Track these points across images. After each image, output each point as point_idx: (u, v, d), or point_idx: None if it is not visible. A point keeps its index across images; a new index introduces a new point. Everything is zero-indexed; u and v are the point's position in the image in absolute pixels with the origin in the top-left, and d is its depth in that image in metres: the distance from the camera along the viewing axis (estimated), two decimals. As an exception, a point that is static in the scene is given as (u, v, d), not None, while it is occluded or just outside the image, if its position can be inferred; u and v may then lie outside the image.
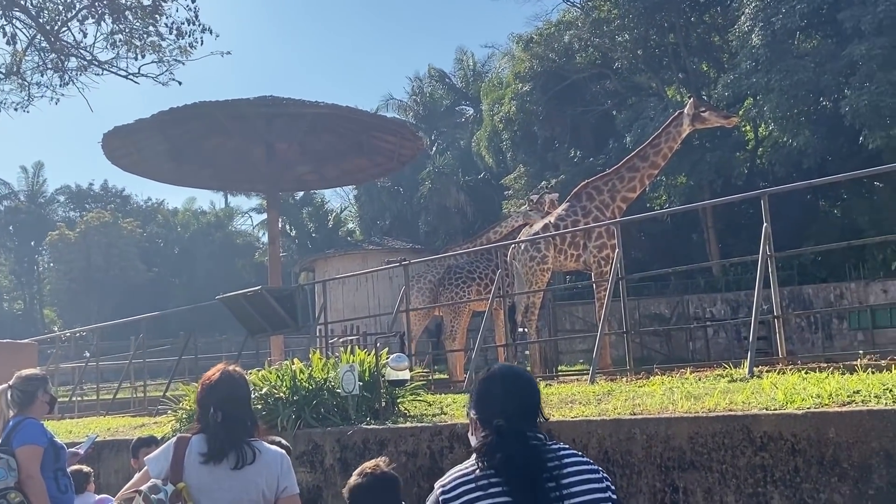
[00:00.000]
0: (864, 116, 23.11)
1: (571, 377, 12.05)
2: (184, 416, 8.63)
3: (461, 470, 2.60)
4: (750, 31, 26.67)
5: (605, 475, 2.64)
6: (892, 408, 4.54)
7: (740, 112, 29.67)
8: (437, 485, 2.61)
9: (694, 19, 33.57)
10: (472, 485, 2.50)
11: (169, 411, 9.64)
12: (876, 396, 4.91)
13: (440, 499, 2.54)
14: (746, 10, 27.16)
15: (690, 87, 32.08)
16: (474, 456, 2.59)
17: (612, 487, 2.64)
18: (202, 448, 3.59)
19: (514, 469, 2.47)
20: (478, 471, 2.53)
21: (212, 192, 67.34)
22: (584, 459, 2.64)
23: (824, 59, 25.11)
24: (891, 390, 4.97)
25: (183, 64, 15.72)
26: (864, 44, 23.18)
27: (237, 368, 3.88)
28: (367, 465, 3.72)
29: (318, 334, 15.20)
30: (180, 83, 16.61)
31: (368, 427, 7.34)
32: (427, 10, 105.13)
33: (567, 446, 2.69)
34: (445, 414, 7.46)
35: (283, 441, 4.37)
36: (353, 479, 3.68)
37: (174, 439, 3.71)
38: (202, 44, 15.18)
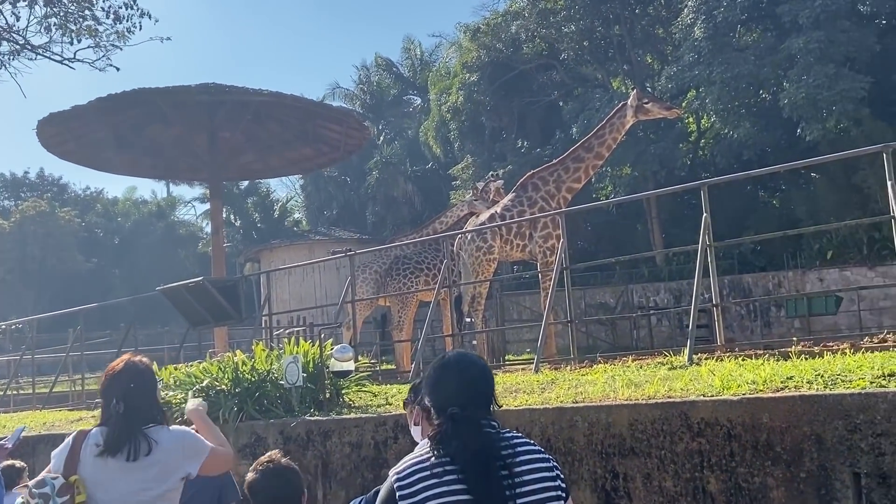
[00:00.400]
0: (802, 109, 23.66)
1: (517, 366, 12.13)
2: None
3: (415, 457, 2.59)
4: (692, 24, 27.09)
5: (555, 464, 2.66)
6: (823, 393, 4.67)
7: (683, 104, 30.14)
8: (391, 472, 2.60)
9: (638, 11, 33.95)
10: (427, 472, 2.50)
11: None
12: (808, 382, 5.03)
13: (395, 486, 2.52)
14: (689, 3, 27.58)
15: (635, 79, 32.47)
16: (428, 443, 2.59)
17: (562, 476, 2.66)
18: (98, 440, 3.54)
19: (468, 457, 2.48)
20: (433, 458, 2.52)
21: (153, 181, 66.06)
22: (536, 448, 2.66)
23: (764, 52, 25.62)
24: (822, 376, 5.11)
25: (121, 49, 15.38)
26: (802, 37, 23.72)
27: (143, 359, 3.81)
28: (262, 459, 3.66)
29: (262, 325, 15.04)
30: (118, 69, 16.24)
31: (312, 418, 7.30)
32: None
33: (519, 434, 2.71)
34: (390, 404, 7.45)
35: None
36: (249, 474, 3.60)
37: (74, 432, 3.66)
38: (141, 29, 14.86)
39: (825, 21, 23.86)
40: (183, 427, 3.95)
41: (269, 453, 3.73)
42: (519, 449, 2.59)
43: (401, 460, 2.64)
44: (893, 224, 7.45)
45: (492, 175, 18.77)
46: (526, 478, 2.54)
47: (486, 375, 2.73)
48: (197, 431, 3.99)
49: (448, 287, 13.02)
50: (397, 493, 2.50)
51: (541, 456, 2.64)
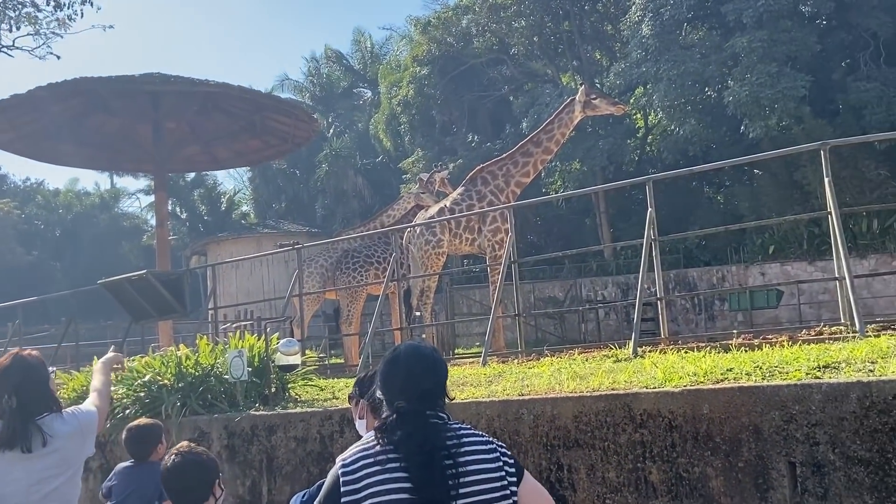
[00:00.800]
0: (746, 106, 24.11)
1: (466, 360, 12.18)
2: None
3: (362, 445, 2.63)
4: (640, 21, 27.40)
5: (501, 452, 2.69)
6: (760, 384, 4.78)
7: (631, 100, 30.53)
8: (338, 459, 2.65)
9: (587, 8, 34.23)
10: (371, 459, 2.55)
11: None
12: (747, 374, 5.15)
13: (340, 472, 2.57)
14: (637, 0, 27.89)
15: (584, 75, 32.75)
16: (375, 433, 2.62)
17: (510, 461, 2.69)
18: None
19: (412, 446, 2.52)
20: (378, 447, 2.57)
21: (97, 173, 64.67)
22: (483, 439, 2.69)
23: (709, 50, 26.04)
24: (761, 368, 5.23)
25: (62, 37, 15.02)
26: (746, 36, 24.17)
27: (32, 352, 3.87)
28: (172, 450, 3.71)
29: (208, 320, 14.85)
30: (59, 57, 15.92)
31: (257, 413, 7.24)
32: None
33: (468, 426, 2.74)
34: (337, 398, 7.43)
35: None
36: (163, 463, 3.66)
37: None
38: (82, 16, 14.54)
39: (768, 21, 24.34)
40: (72, 408, 4.00)
41: (182, 442, 3.79)
42: (465, 440, 2.62)
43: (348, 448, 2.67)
44: (831, 219, 7.65)
45: (437, 166, 18.79)
46: (470, 468, 2.57)
47: (436, 367, 2.74)
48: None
49: (397, 281, 13.01)
50: (341, 479, 2.55)
51: (486, 447, 2.66)
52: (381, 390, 2.73)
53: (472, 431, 2.70)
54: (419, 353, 2.76)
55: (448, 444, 2.57)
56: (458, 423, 2.70)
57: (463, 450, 2.59)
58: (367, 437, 2.69)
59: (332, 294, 17.35)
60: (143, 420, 5.47)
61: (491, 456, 2.65)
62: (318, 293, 16.61)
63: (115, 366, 4.64)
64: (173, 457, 3.60)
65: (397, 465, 2.51)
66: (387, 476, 2.50)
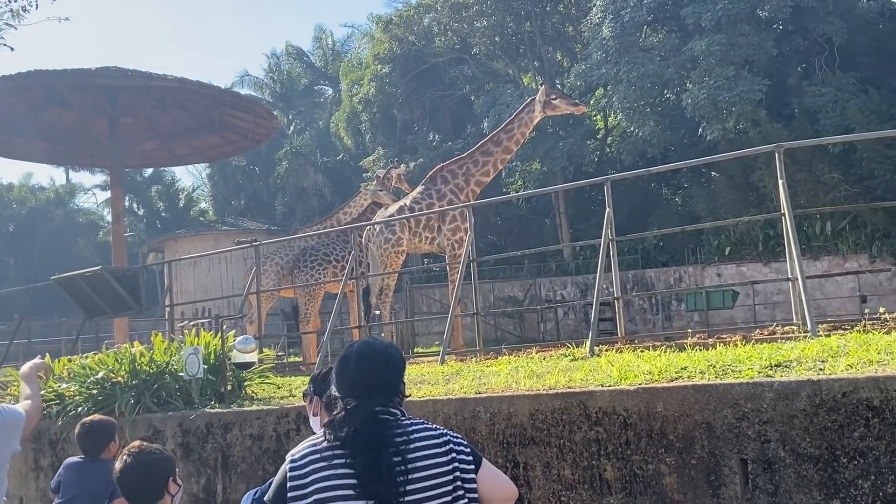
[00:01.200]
0: (704, 109, 24.45)
1: (425, 358, 12.16)
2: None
3: (311, 442, 2.65)
4: (601, 23, 27.63)
5: (455, 444, 2.68)
6: (714, 382, 4.83)
7: (591, 101, 30.79)
8: (288, 455, 2.66)
9: (549, 9, 34.45)
10: (318, 455, 2.56)
11: (-3, 398, 9.07)
12: (701, 372, 5.20)
13: (288, 468, 2.58)
14: (598, 2, 28.13)
15: (545, 76, 32.94)
16: (324, 429, 2.63)
17: (466, 453, 2.69)
18: None
19: (358, 443, 2.51)
20: (325, 443, 2.58)
21: (52, 167, 63.36)
22: (435, 433, 2.68)
23: (669, 52, 26.35)
24: (714, 366, 5.29)
25: (15, 28, 14.69)
26: (705, 40, 24.49)
27: None
28: (125, 449, 3.71)
29: (165, 317, 14.66)
30: (13, 49, 15.56)
31: (212, 411, 7.16)
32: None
33: (422, 421, 2.73)
34: (293, 396, 7.37)
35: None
36: (116, 463, 3.66)
37: None
38: (37, 7, 14.22)
39: (726, 25, 24.70)
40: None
41: (136, 441, 3.80)
42: (414, 436, 2.62)
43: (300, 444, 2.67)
44: (784, 221, 7.77)
45: (393, 162, 18.77)
46: (419, 464, 2.57)
47: (390, 363, 2.73)
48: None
49: (356, 279, 12.96)
50: (288, 475, 2.56)
51: (438, 441, 2.66)
52: (335, 387, 2.73)
53: (424, 426, 2.69)
54: (372, 350, 2.75)
55: (396, 441, 2.56)
56: (410, 419, 2.69)
57: (412, 445, 2.58)
58: (318, 433, 2.69)
59: (290, 292, 17.23)
60: (96, 416, 5.38)
61: (443, 450, 2.64)
62: (274, 291, 16.47)
63: (40, 373, 4.60)
64: (125, 456, 3.58)
65: (343, 461, 2.52)
66: (333, 472, 2.51)
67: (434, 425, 2.74)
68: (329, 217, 17.83)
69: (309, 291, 16.16)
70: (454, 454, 2.66)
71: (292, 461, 2.59)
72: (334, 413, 2.64)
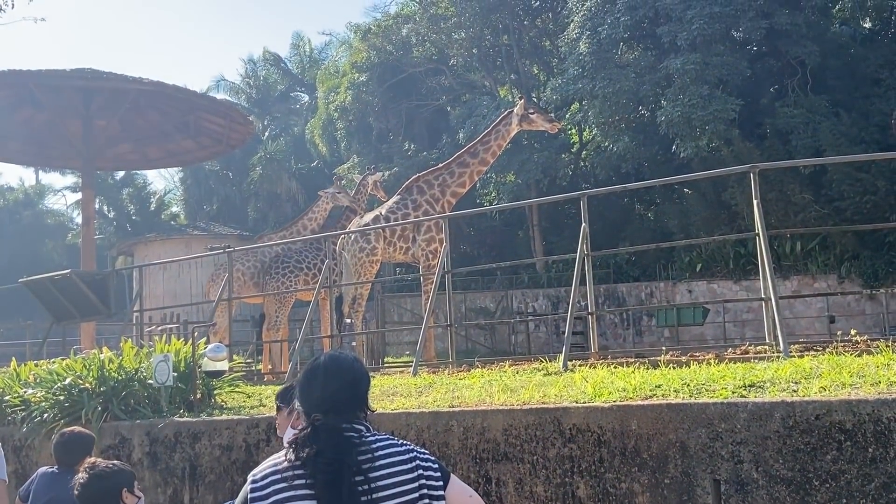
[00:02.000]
0: (677, 126, 24.63)
1: (396, 369, 12.11)
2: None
3: (273, 461, 2.57)
4: (578, 38, 27.78)
5: (422, 461, 2.63)
6: (688, 401, 4.83)
7: (567, 116, 30.94)
8: (249, 475, 2.58)
9: (527, 23, 34.60)
10: (279, 476, 2.49)
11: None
12: (675, 391, 5.21)
13: (249, 489, 2.52)
14: (576, 17, 28.28)
15: (522, 89, 33.05)
16: (287, 447, 2.56)
17: (433, 468, 2.64)
18: None
19: (319, 463, 2.46)
20: (286, 463, 2.51)
21: (21, 168, 62.53)
22: (401, 449, 2.63)
23: (644, 70, 26.54)
24: (689, 385, 5.30)
25: (-11, 27, 14.41)
26: (680, 58, 24.71)
27: None
28: (85, 463, 4.04)
29: (133, 322, 14.46)
30: (-14, 48, 15.25)
31: (181, 419, 7.05)
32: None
33: (388, 437, 2.68)
34: (264, 406, 7.28)
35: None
36: (76, 477, 3.96)
37: None
38: (13, 7, 14.00)
39: (701, 44, 24.95)
40: None
41: (88, 459, 4.16)
42: (380, 453, 2.57)
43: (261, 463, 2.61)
44: (758, 241, 7.83)
45: (369, 169, 18.71)
46: (383, 482, 2.52)
47: (356, 379, 2.69)
48: None
49: (328, 287, 12.87)
50: (250, 496, 2.51)
51: (403, 458, 2.61)
52: (299, 401, 2.67)
53: (389, 443, 2.64)
54: (339, 364, 2.70)
55: (360, 460, 2.51)
56: (375, 435, 2.64)
57: (377, 464, 2.54)
58: (280, 452, 2.62)
59: (256, 299, 17.05)
60: (77, 428, 5.39)
61: (409, 466, 2.60)
62: (243, 298, 16.28)
63: None
64: (80, 475, 3.92)
65: (304, 482, 2.46)
66: (294, 493, 2.45)
67: (400, 441, 2.69)
68: (294, 223, 17.67)
69: (279, 299, 16.02)
70: (421, 470, 2.61)
71: (253, 482, 2.53)
72: (299, 429, 2.58)
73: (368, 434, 2.61)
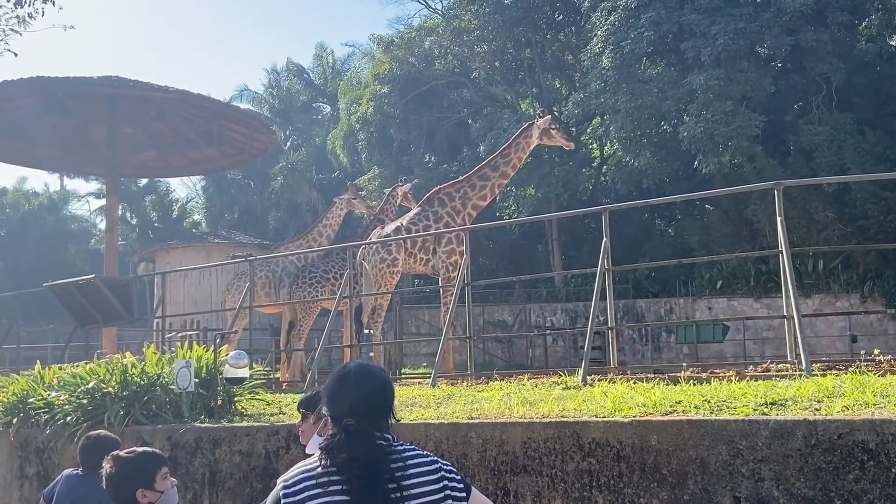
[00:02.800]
0: (700, 142, 24.55)
1: (414, 380, 12.12)
2: (0, 408, 8.09)
3: (305, 466, 2.60)
4: (601, 52, 27.79)
5: (446, 472, 2.67)
6: (709, 418, 4.82)
7: (588, 130, 30.93)
8: (279, 480, 2.61)
9: (550, 37, 34.66)
10: (313, 481, 2.52)
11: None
12: (695, 407, 5.19)
13: (281, 493, 2.54)
14: (598, 32, 28.29)
15: (543, 102, 33.06)
16: (319, 452, 2.59)
17: (454, 479, 2.68)
18: None
19: (355, 469, 2.49)
20: (320, 468, 2.54)
21: (46, 173, 63.20)
22: (427, 459, 2.67)
23: (667, 85, 26.49)
24: (709, 401, 5.28)
25: (20, 35, 14.64)
26: (704, 74, 24.64)
27: None
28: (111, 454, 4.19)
29: (154, 328, 14.57)
30: (16, 55, 15.53)
31: (202, 425, 7.09)
32: (288, 3, 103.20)
33: (414, 447, 2.72)
34: (284, 413, 7.32)
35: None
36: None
37: None
38: (43, 15, 14.17)
39: (725, 60, 24.87)
40: None
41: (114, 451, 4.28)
42: (410, 462, 2.61)
43: (291, 468, 2.63)
44: (781, 258, 7.79)
45: (401, 180, 18.76)
46: (414, 491, 2.56)
47: (384, 388, 2.73)
48: None
49: (349, 297, 12.92)
50: (282, 500, 2.52)
51: (430, 468, 2.65)
52: (328, 407, 2.69)
53: (416, 452, 2.68)
54: (369, 372, 2.74)
55: (392, 468, 2.55)
56: (402, 444, 2.68)
57: (408, 472, 2.58)
58: (311, 458, 2.65)
59: (272, 308, 17.10)
60: (102, 432, 5.45)
61: (435, 476, 2.64)
62: (263, 307, 16.33)
63: None
64: (106, 464, 4.08)
65: (339, 487, 2.49)
66: (329, 498, 2.47)
67: (426, 452, 2.73)
68: (309, 231, 17.72)
69: (306, 308, 16.09)
70: (446, 481, 2.66)
71: (285, 486, 2.55)
72: (331, 435, 2.61)
73: (396, 443, 2.66)
